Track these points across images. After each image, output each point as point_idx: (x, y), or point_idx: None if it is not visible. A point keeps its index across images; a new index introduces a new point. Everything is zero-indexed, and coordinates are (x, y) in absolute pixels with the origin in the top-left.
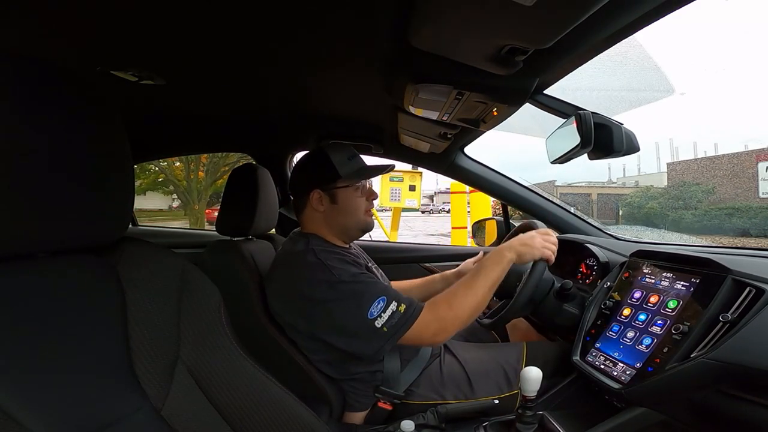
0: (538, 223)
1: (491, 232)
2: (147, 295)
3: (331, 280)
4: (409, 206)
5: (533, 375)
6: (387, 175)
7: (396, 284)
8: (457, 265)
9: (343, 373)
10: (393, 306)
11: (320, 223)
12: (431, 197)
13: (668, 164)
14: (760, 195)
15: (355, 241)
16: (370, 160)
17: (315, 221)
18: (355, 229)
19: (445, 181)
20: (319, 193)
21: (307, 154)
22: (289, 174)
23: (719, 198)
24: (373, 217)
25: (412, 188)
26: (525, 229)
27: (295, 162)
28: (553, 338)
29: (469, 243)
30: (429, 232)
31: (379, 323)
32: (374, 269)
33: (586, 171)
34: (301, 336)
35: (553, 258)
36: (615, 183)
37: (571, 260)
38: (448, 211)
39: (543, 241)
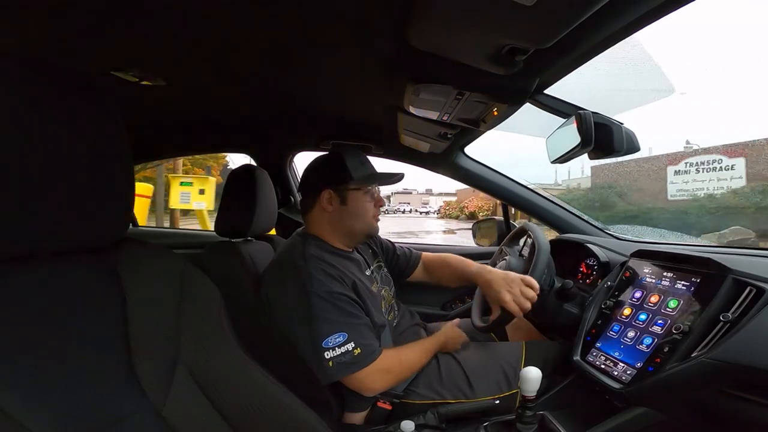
0: (532, 225)
1: (491, 232)
2: (147, 296)
3: (306, 289)
4: (197, 208)
5: (533, 375)
6: (178, 178)
7: (436, 262)
8: None
9: None
10: (350, 345)
11: (327, 223)
12: (389, 197)
13: (592, 168)
14: (669, 197)
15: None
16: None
17: (321, 221)
18: (360, 233)
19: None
20: (329, 193)
21: (321, 155)
22: (290, 174)
23: (632, 200)
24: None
25: (202, 192)
26: (522, 232)
27: (296, 163)
28: (552, 338)
29: None
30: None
31: (328, 355)
32: (375, 272)
33: (540, 173)
34: (274, 322)
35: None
36: (560, 185)
37: (571, 260)
38: (403, 212)
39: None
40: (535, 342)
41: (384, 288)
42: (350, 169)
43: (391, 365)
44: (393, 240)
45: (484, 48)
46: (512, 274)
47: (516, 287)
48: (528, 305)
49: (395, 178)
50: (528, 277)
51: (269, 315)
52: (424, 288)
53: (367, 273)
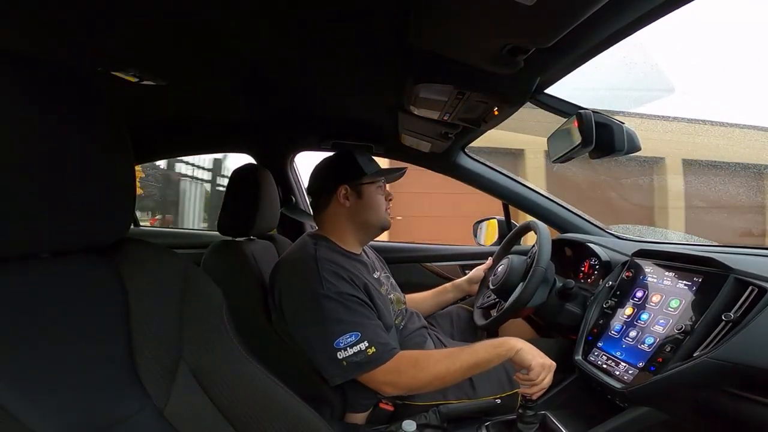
0: (538, 223)
1: (492, 232)
2: (149, 296)
3: (316, 291)
4: None
5: None
6: None
7: (409, 297)
8: (459, 266)
9: None
10: (363, 345)
11: (343, 219)
12: None
13: None
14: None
15: (370, 247)
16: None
17: (338, 217)
18: (376, 227)
19: None
20: (345, 189)
21: (331, 154)
22: (291, 174)
23: None
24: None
25: None
26: (524, 230)
27: (296, 163)
28: (552, 336)
29: None
30: None
31: (341, 355)
32: (383, 278)
33: None
34: (286, 327)
35: (534, 394)
36: None
37: (572, 259)
38: None
39: (545, 379)
40: (535, 340)
41: (393, 293)
42: (362, 165)
43: (404, 367)
44: None
45: (484, 47)
46: (548, 364)
47: (547, 374)
48: (543, 387)
49: (401, 172)
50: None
51: (278, 316)
52: (423, 289)
53: (375, 275)
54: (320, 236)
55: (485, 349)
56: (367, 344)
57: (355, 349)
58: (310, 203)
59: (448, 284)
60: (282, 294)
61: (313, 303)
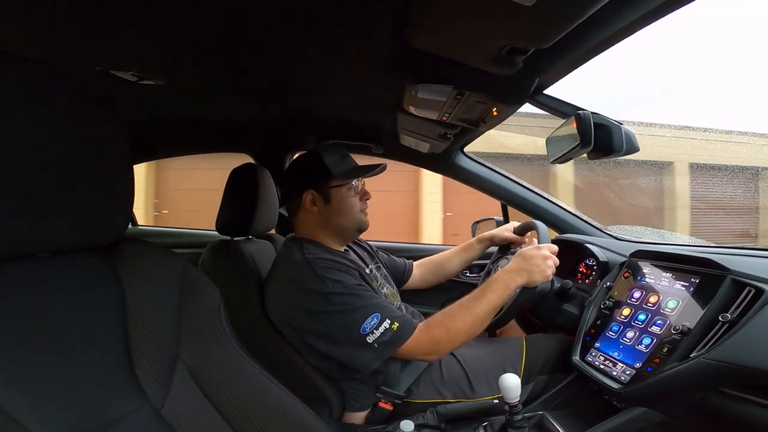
0: (538, 223)
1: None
2: (147, 295)
3: (324, 291)
4: None
5: (512, 383)
6: None
7: (431, 259)
8: None
9: (343, 373)
10: (386, 323)
11: (315, 224)
12: None
13: None
14: None
15: (359, 242)
16: (368, 161)
17: (309, 223)
18: (350, 229)
19: None
20: (312, 194)
21: (299, 155)
22: None
23: None
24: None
25: None
26: (525, 229)
27: None
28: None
29: None
30: None
31: (371, 338)
32: (375, 270)
33: None
34: (297, 339)
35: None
36: None
37: (570, 260)
38: None
39: (550, 261)
40: (535, 336)
41: (386, 286)
42: (329, 166)
43: (436, 335)
44: None
45: (483, 48)
46: (527, 254)
47: (546, 256)
48: (556, 263)
49: (377, 169)
50: (545, 243)
51: (292, 329)
52: (422, 288)
53: (367, 271)
54: (302, 238)
55: (498, 295)
56: (389, 322)
57: (381, 329)
58: (286, 205)
59: (472, 239)
60: (287, 308)
61: (324, 305)
